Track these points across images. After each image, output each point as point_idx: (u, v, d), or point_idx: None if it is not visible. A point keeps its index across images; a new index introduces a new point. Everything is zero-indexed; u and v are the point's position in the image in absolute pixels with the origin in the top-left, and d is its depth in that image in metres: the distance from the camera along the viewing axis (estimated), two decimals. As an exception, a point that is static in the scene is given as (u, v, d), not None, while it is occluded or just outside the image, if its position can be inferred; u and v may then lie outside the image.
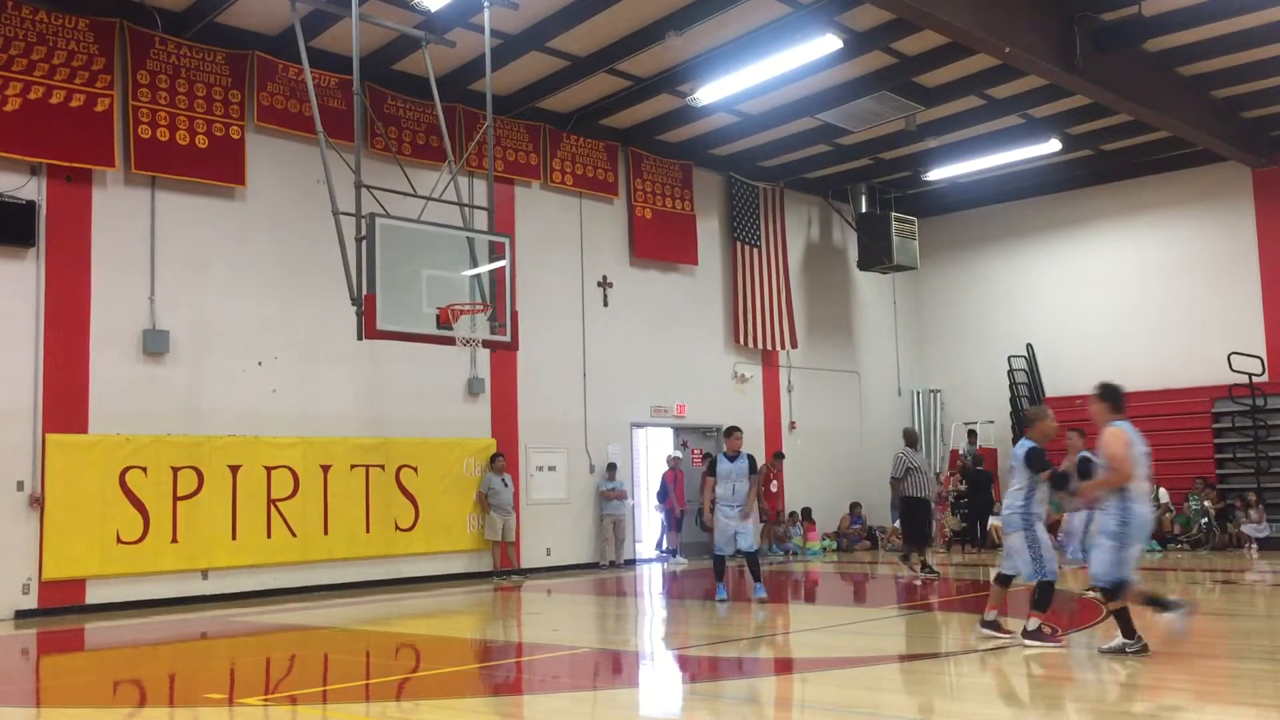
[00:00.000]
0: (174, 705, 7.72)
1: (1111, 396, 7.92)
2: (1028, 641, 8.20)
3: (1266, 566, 15.31)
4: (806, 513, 19.92)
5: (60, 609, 12.24)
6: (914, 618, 11.16)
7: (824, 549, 19.75)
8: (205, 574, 13.34)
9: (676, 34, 13.83)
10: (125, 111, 13.13)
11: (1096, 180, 20.98)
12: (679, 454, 18.74)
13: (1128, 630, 7.64)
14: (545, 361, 16.78)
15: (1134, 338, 20.41)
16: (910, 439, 15.14)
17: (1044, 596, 8.33)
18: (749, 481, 11.87)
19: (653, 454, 19.66)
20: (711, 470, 12.07)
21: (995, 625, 8.68)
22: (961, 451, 20.72)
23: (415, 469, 15.10)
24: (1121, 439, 7.53)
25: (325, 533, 14.22)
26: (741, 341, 19.78)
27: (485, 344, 12.57)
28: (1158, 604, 7.69)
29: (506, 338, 12.28)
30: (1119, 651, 7.65)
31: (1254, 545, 17.54)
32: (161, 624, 11.75)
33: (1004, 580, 8.73)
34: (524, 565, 16.02)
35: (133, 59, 13.18)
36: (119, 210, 13.12)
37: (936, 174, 20.22)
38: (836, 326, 22.04)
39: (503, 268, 12.29)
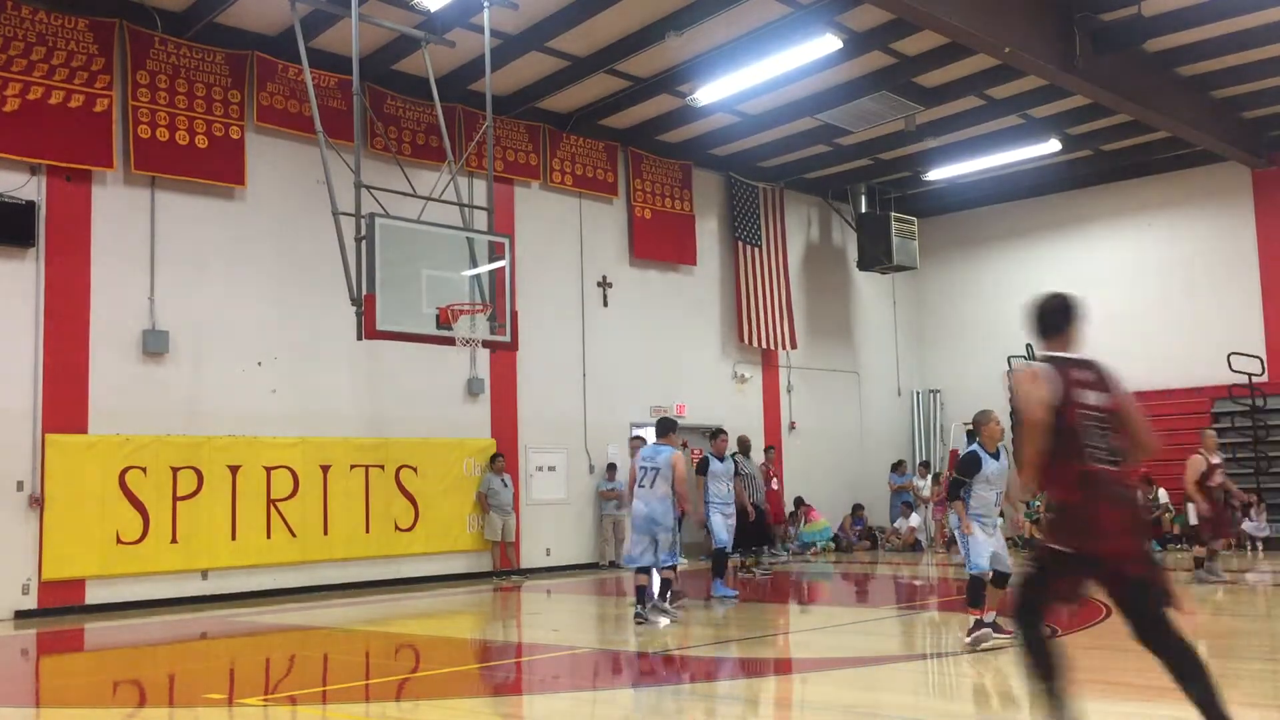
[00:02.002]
0: (174, 705, 7.71)
1: None
2: (966, 639, 8.34)
3: (1268, 566, 15.31)
4: (800, 501, 19.85)
5: (60, 609, 12.23)
6: (914, 618, 11.16)
7: (824, 543, 19.71)
8: (205, 574, 13.34)
9: (676, 34, 13.82)
10: (125, 111, 13.12)
11: (1096, 180, 20.98)
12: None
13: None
14: (545, 362, 16.78)
15: (1134, 338, 20.36)
16: (743, 446, 15.73)
17: (971, 592, 8.53)
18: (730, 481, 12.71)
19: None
20: (704, 470, 12.43)
21: (993, 626, 8.58)
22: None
23: (415, 469, 15.10)
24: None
25: (325, 533, 14.22)
26: (744, 341, 19.77)
27: (485, 344, 12.58)
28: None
29: (506, 338, 12.29)
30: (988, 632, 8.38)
31: (1259, 545, 17.53)
32: (161, 624, 11.75)
33: (999, 580, 8.54)
34: (524, 565, 16.02)
35: (132, 59, 13.17)
36: (119, 210, 13.12)
37: (936, 174, 20.22)
38: (836, 327, 22.04)
39: (502, 268, 12.30)
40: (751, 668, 8.43)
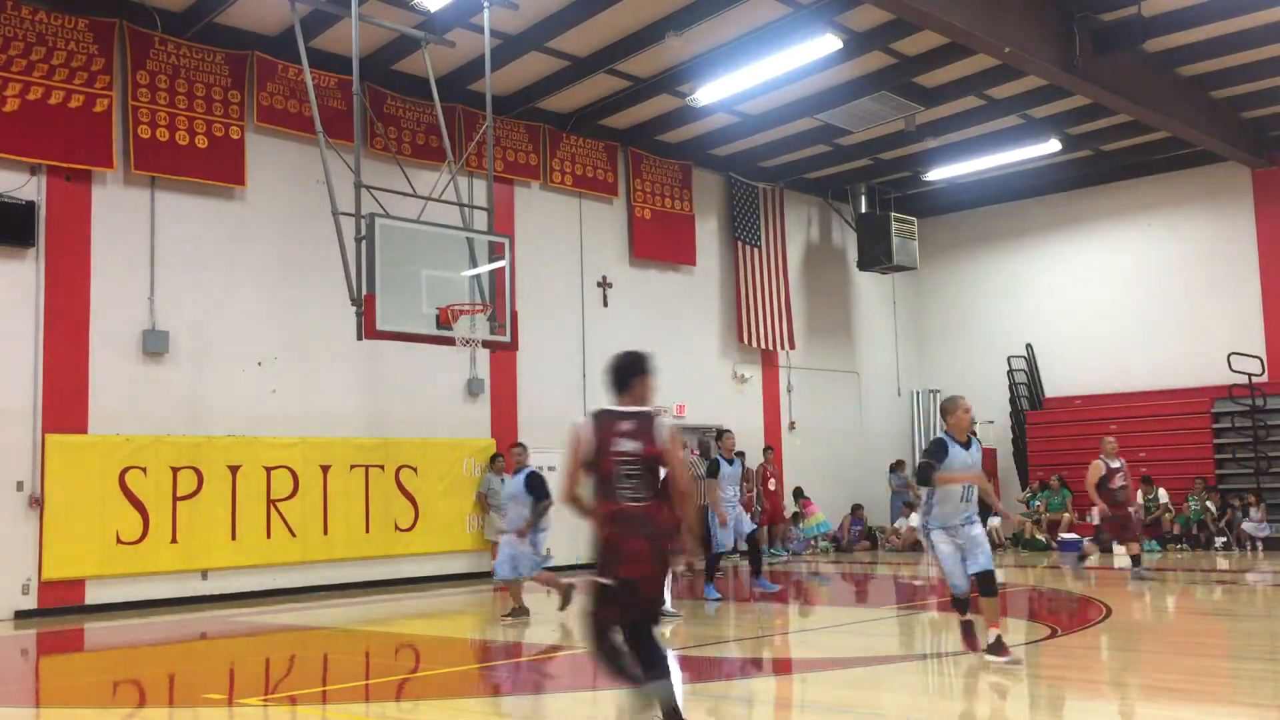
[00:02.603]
0: (174, 705, 7.71)
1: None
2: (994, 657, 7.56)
3: (1268, 566, 15.31)
4: (799, 492, 19.84)
5: (60, 609, 12.23)
6: (914, 618, 11.16)
7: (822, 535, 19.71)
8: (205, 574, 13.33)
9: (676, 34, 13.82)
10: (125, 112, 13.12)
11: (1096, 180, 20.97)
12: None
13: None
14: (545, 361, 16.77)
15: (1134, 338, 20.41)
16: (704, 450, 16.21)
17: (956, 606, 7.84)
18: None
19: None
20: (714, 473, 12.36)
21: (995, 644, 7.74)
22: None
23: (415, 469, 15.10)
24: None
25: (325, 533, 14.22)
26: (743, 342, 19.77)
27: (485, 344, 12.59)
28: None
29: (506, 338, 12.29)
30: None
31: (1259, 545, 17.54)
32: (161, 624, 11.75)
33: (986, 587, 7.79)
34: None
35: (132, 59, 13.17)
36: (119, 210, 13.12)
37: (936, 174, 20.22)
38: (836, 326, 22.03)
39: (502, 268, 12.30)
40: (751, 668, 8.42)
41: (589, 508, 5.28)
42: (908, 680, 7.64)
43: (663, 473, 5.33)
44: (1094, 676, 7.62)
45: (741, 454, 18.49)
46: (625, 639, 5.18)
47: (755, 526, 13.17)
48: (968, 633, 7.77)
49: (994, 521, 19.64)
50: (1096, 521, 13.87)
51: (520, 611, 10.82)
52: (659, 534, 5.16)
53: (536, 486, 10.56)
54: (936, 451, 7.75)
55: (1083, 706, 6.63)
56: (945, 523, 7.72)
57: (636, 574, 5.10)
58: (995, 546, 19.13)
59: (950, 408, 7.89)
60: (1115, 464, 13.31)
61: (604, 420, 5.32)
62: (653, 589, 5.21)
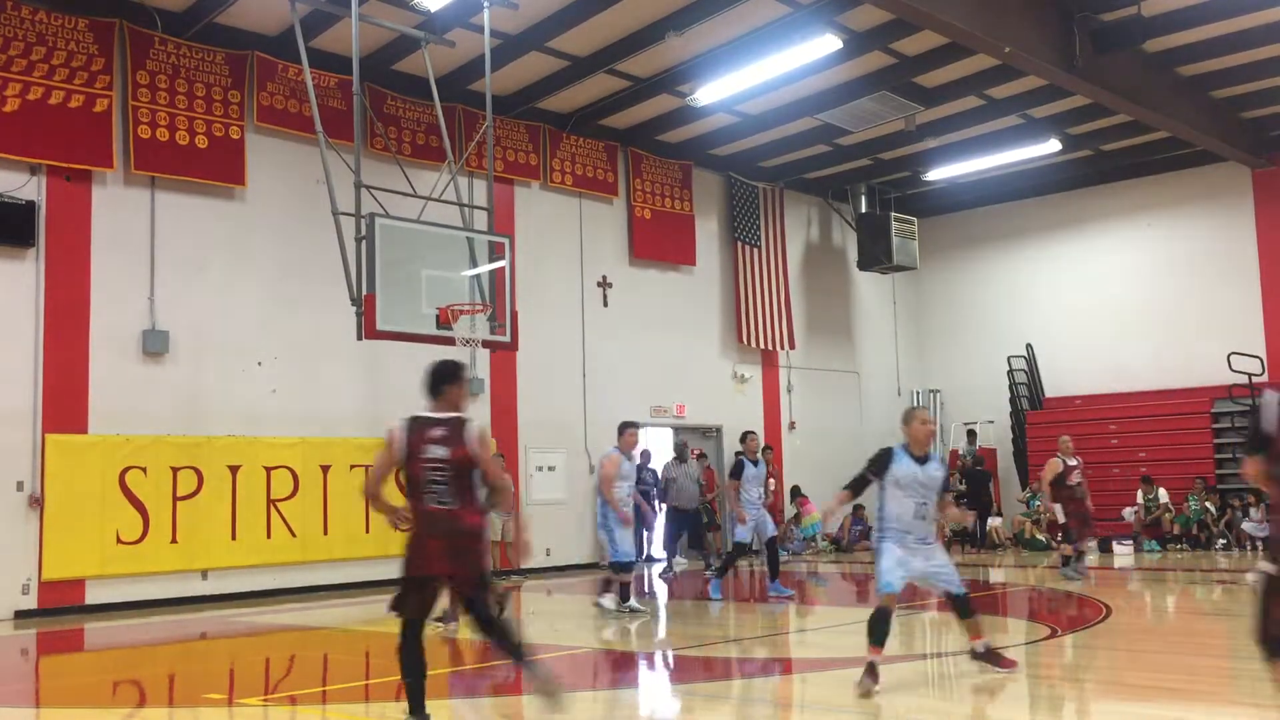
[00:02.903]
0: (174, 705, 7.72)
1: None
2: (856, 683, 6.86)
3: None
4: (796, 491, 19.86)
5: (60, 609, 12.23)
6: (914, 618, 11.15)
7: (821, 538, 19.73)
8: (205, 574, 13.33)
9: (676, 34, 13.82)
10: (125, 112, 13.12)
11: (1096, 180, 20.97)
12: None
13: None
14: (545, 362, 16.78)
15: (1134, 338, 20.40)
16: (679, 451, 16.32)
17: (871, 623, 7.04)
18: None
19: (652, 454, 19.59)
20: (738, 474, 12.38)
21: (987, 655, 7.26)
22: (961, 451, 20.72)
23: (415, 469, 15.07)
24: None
25: (325, 533, 14.22)
26: (742, 342, 19.77)
27: (485, 344, 12.59)
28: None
29: (506, 338, 12.29)
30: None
31: (1259, 545, 17.52)
32: (161, 624, 11.74)
33: (960, 608, 7.28)
34: (524, 565, 16.00)
35: (132, 59, 13.17)
36: (119, 210, 13.12)
37: (936, 174, 20.22)
38: (836, 326, 22.03)
39: (502, 268, 12.30)
40: (751, 668, 8.42)
41: (390, 506, 5.65)
42: (908, 680, 7.64)
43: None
44: (1094, 676, 7.62)
45: (769, 449, 18.73)
46: (480, 632, 5.60)
47: (776, 530, 13.13)
48: (871, 672, 6.84)
49: (994, 521, 19.68)
50: (1061, 520, 13.97)
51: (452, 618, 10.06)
52: (459, 535, 5.46)
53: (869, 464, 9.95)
54: (878, 464, 7.13)
55: (1083, 707, 6.63)
56: (901, 541, 7.04)
57: (435, 572, 5.46)
58: (995, 546, 19.17)
59: (907, 418, 7.29)
60: (1072, 461, 13.58)
61: (416, 426, 5.65)
62: (467, 588, 5.52)
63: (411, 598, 5.49)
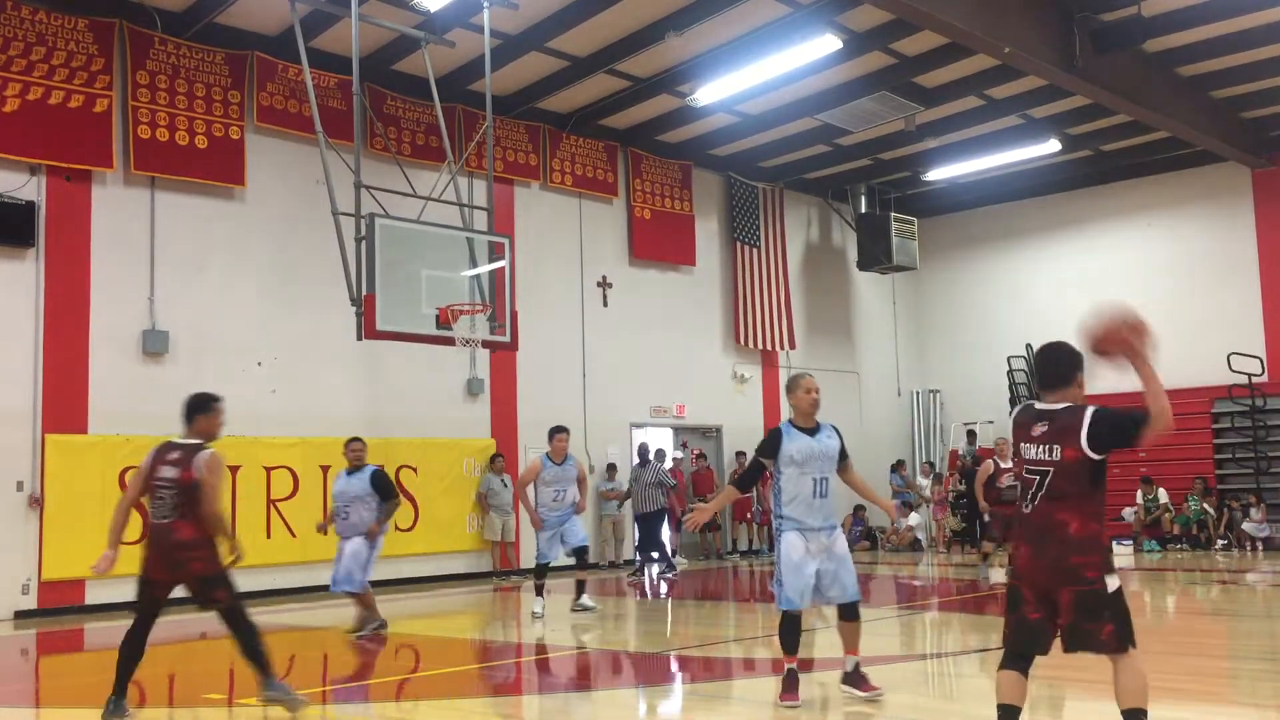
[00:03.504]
0: (173, 705, 7.72)
1: None
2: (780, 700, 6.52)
3: (1268, 567, 15.31)
4: None
5: (60, 609, 12.23)
6: (914, 618, 11.16)
7: None
8: (205, 574, 13.31)
9: (676, 34, 13.83)
10: (125, 112, 13.12)
11: (1096, 180, 20.97)
12: (679, 453, 18.70)
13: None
14: (545, 362, 16.77)
15: (1134, 338, 20.37)
16: (641, 456, 16.42)
17: (781, 630, 6.62)
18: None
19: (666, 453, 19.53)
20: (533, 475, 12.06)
21: (854, 675, 6.68)
22: (961, 451, 20.71)
23: (415, 469, 15.09)
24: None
25: (325, 533, 14.18)
26: (741, 342, 19.77)
27: (485, 344, 12.58)
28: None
29: (506, 338, 12.29)
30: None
31: (1259, 545, 17.54)
32: (161, 624, 11.68)
33: (846, 612, 6.76)
34: (524, 565, 16.00)
35: (132, 59, 13.17)
36: (118, 210, 13.12)
37: (936, 174, 20.22)
38: (836, 327, 22.03)
39: (502, 268, 12.30)
40: (751, 667, 8.42)
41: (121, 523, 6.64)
42: (908, 680, 7.63)
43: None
44: (1094, 676, 7.61)
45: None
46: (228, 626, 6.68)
47: (586, 539, 12.22)
48: (790, 682, 6.52)
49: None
50: (987, 519, 13.97)
51: (381, 624, 10.13)
52: (173, 547, 6.53)
53: (384, 485, 9.96)
54: (768, 446, 6.55)
55: (1083, 706, 6.62)
56: (801, 526, 6.47)
57: (152, 576, 6.56)
58: (994, 541, 19.13)
59: (791, 387, 6.67)
60: (1005, 465, 13.50)
61: (159, 451, 6.74)
62: (194, 592, 6.67)
63: (142, 596, 6.64)
